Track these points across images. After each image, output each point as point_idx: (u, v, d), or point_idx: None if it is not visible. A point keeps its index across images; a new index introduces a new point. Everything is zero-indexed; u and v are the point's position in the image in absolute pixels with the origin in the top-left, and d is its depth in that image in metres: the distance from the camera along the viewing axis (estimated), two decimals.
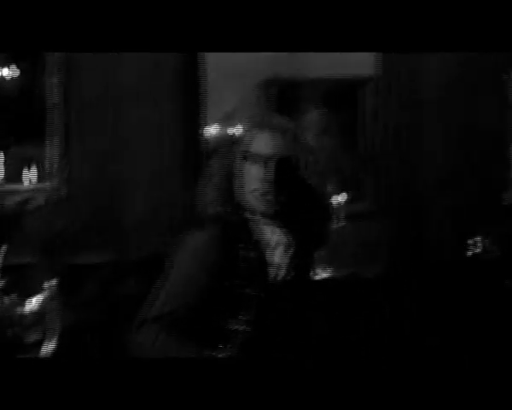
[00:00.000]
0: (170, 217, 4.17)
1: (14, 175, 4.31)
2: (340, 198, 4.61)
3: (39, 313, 3.33)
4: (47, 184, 4.33)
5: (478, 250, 4.20)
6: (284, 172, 2.26)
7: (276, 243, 2.29)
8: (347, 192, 4.66)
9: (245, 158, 2.30)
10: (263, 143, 2.28)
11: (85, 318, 3.75)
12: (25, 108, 4.39)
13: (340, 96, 5.18)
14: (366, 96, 5.01)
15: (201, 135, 4.69)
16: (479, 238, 4.20)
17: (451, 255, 4.37)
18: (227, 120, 5.05)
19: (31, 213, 4.24)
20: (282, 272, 2.27)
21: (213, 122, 5.14)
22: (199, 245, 2.25)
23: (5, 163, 4.25)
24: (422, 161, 4.52)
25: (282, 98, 5.19)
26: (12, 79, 4.27)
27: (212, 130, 5.16)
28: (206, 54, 4.60)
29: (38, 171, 4.33)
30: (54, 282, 3.48)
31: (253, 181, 2.27)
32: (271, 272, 2.26)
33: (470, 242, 4.26)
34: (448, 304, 4.08)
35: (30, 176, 4.31)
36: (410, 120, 4.54)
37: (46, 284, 3.46)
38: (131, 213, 4.36)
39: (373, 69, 4.78)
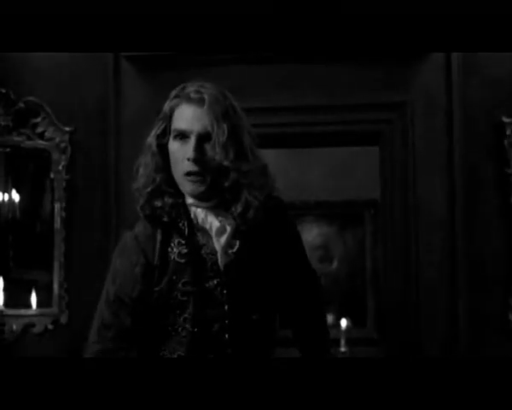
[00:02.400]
0: None
1: (13, 300, 4.25)
2: (342, 324, 4.58)
3: None
4: (47, 310, 4.29)
5: None
6: (204, 148, 2.09)
7: (210, 228, 2.16)
8: (349, 318, 4.64)
9: (169, 134, 2.15)
10: (180, 118, 2.11)
11: None
12: (25, 232, 4.37)
13: (345, 219, 5.19)
14: (368, 220, 5.02)
15: None
16: None
17: None
18: None
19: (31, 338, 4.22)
20: (222, 258, 2.14)
21: None
22: (126, 245, 2.18)
23: (4, 288, 4.21)
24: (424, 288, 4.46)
25: None
26: (13, 203, 4.30)
27: None
28: None
29: (39, 296, 4.29)
30: None
31: (179, 160, 2.12)
32: (210, 258, 2.14)
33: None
34: None
35: (30, 301, 4.28)
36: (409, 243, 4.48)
37: None
38: None
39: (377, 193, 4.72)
